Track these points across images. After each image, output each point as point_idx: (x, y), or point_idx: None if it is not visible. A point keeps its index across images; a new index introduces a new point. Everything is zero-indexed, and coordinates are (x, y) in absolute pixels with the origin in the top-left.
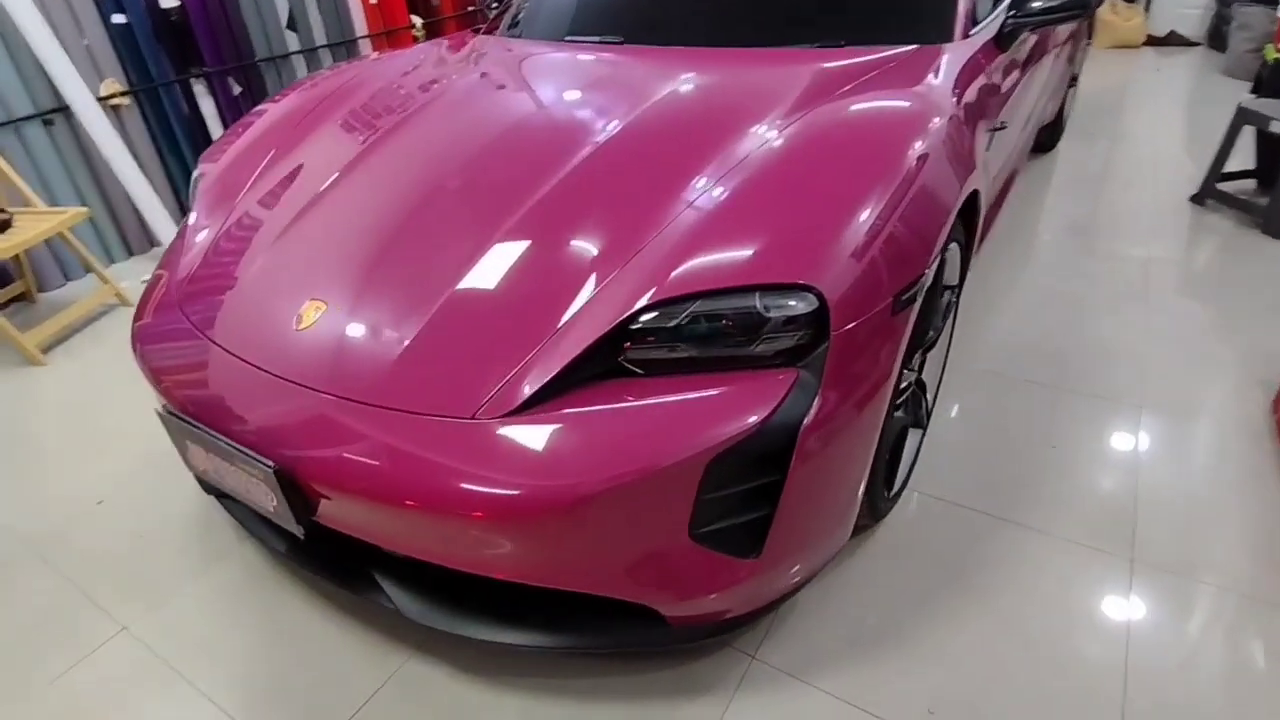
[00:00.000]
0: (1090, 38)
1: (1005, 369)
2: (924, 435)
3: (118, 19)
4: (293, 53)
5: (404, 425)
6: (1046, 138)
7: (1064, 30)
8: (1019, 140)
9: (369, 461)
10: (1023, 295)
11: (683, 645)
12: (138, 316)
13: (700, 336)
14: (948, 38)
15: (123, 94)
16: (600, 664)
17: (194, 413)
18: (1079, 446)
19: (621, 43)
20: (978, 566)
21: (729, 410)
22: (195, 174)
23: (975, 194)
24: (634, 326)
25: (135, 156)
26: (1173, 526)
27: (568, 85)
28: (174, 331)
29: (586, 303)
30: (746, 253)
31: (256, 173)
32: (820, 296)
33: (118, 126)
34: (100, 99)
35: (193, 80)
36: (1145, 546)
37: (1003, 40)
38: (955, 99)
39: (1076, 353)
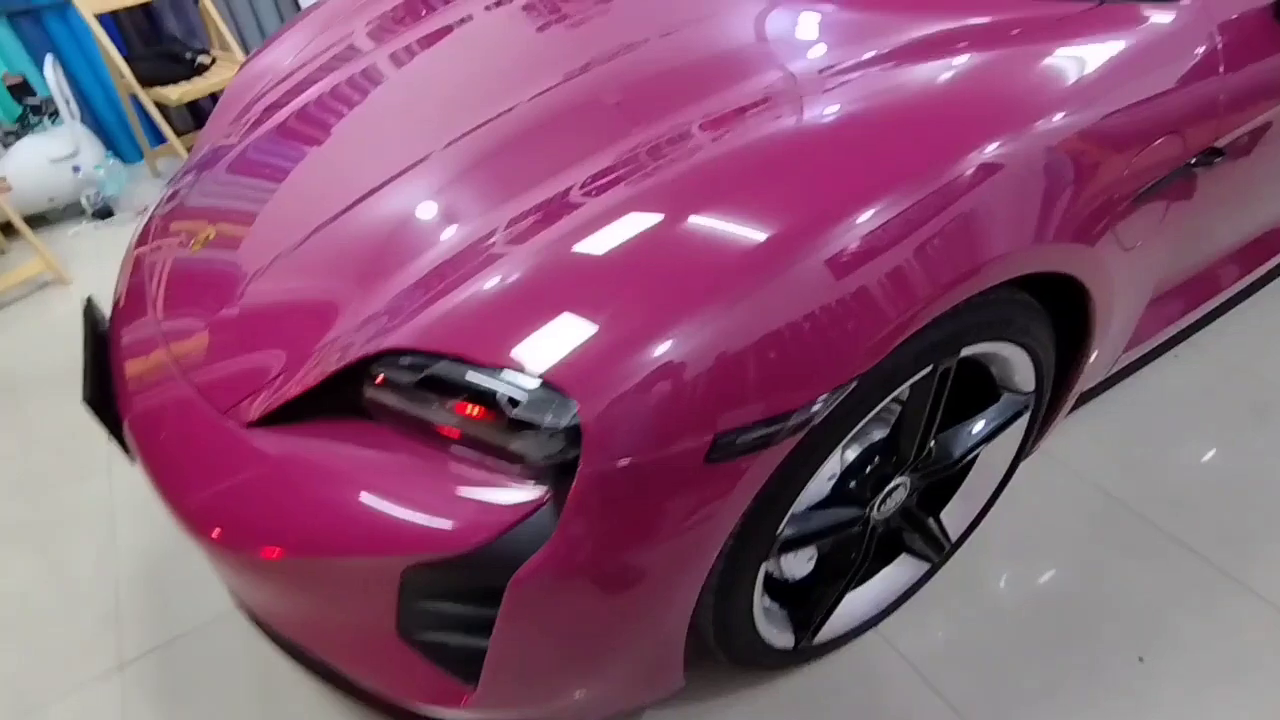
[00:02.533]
0: None
1: (1144, 506)
2: (935, 569)
3: None
4: None
5: (179, 389)
6: None
7: None
8: None
9: (149, 413)
10: (1239, 402)
11: None
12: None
13: (447, 407)
14: None
15: None
16: None
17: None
18: (1188, 667)
19: None
20: None
21: (442, 517)
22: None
23: (1080, 289)
24: (376, 370)
25: None
26: None
27: (505, 32)
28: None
29: (352, 324)
30: (522, 318)
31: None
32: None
33: None
34: None
35: None
36: None
37: None
38: (1097, 104)
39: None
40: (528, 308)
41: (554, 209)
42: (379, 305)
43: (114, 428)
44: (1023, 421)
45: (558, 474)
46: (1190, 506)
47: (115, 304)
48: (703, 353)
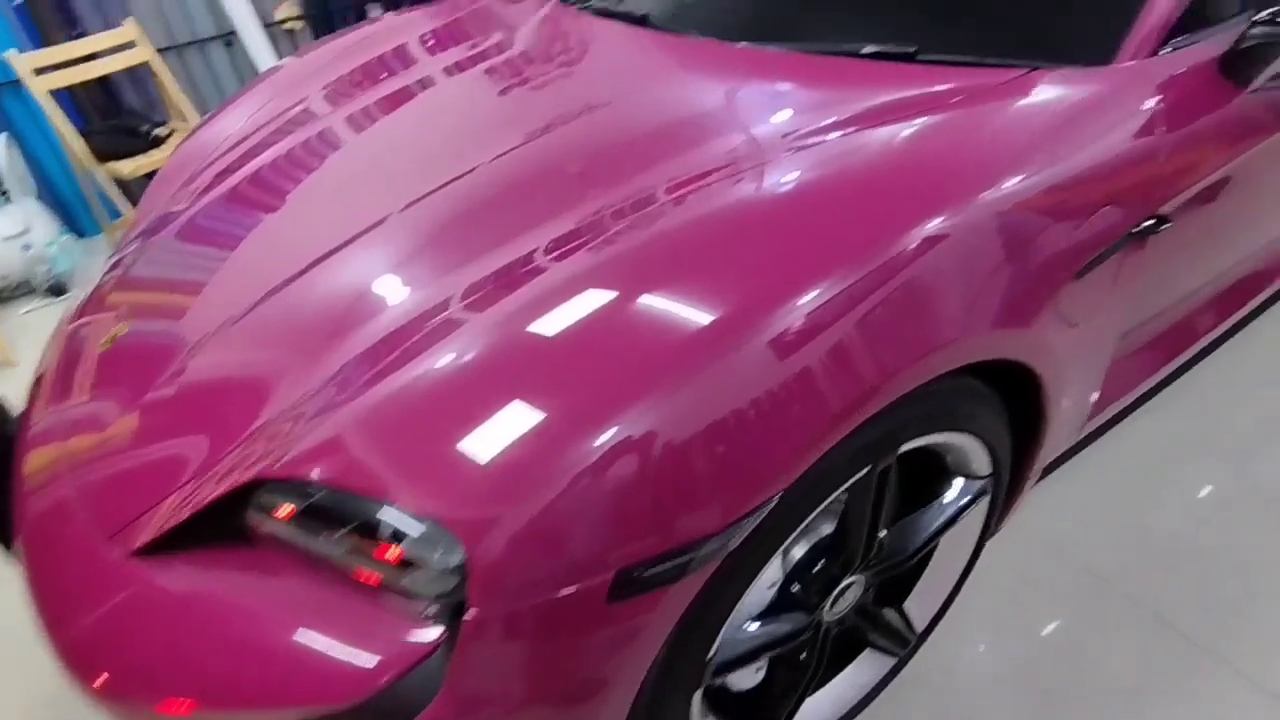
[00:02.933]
0: None
1: (1121, 579)
2: (902, 663)
3: None
4: None
5: (67, 497)
6: None
7: None
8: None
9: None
10: (1221, 479)
11: None
12: None
13: (334, 539)
14: (1105, 57)
15: (296, 18)
16: None
17: None
18: None
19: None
20: None
21: (328, 663)
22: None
23: (1027, 370)
24: (258, 497)
25: None
26: None
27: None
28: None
29: (291, 400)
30: (419, 436)
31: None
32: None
33: (290, 48)
34: (275, 22)
35: (367, 5)
36: None
37: (1238, 67)
38: (1029, 174)
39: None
40: (426, 423)
41: (511, 278)
42: (322, 377)
43: (7, 536)
44: (983, 504)
45: (453, 614)
46: (1168, 576)
47: (33, 386)
48: (605, 481)
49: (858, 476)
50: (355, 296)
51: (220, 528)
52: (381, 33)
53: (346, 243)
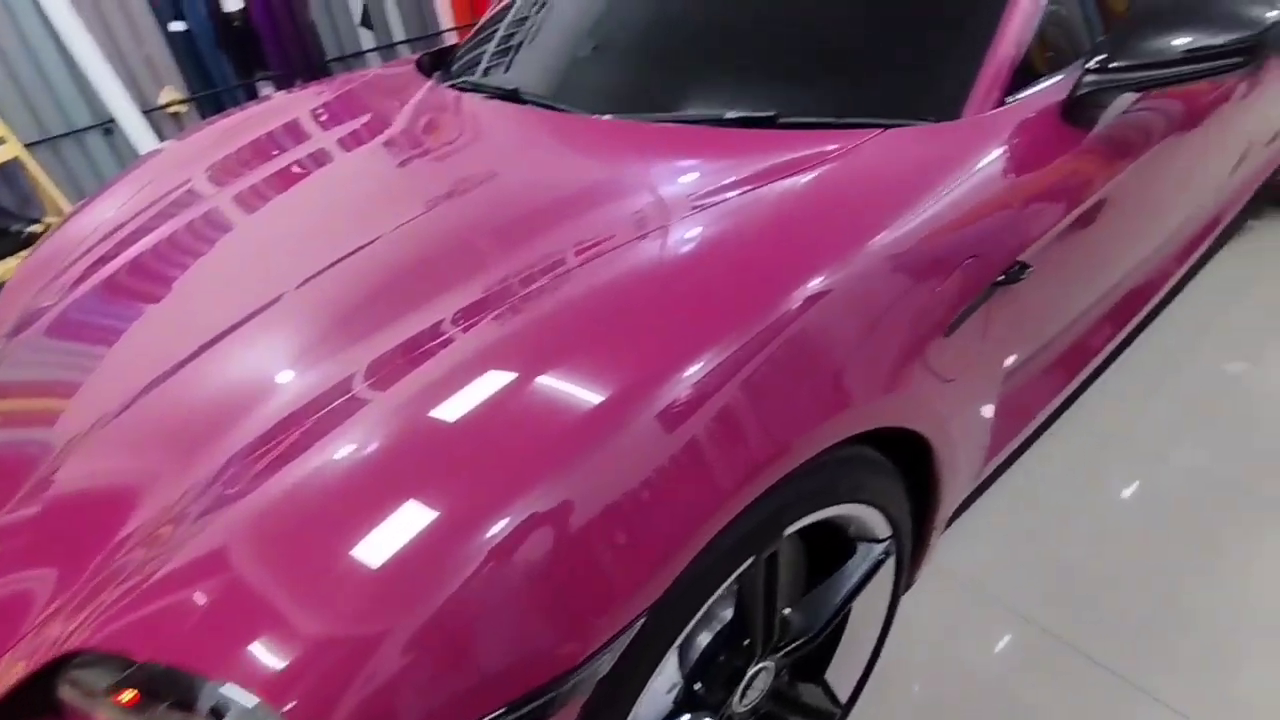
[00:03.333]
0: None
1: (1041, 615)
2: None
3: (177, 26)
4: (368, 50)
5: None
6: None
7: None
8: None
9: None
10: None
11: None
12: None
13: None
14: (953, 112)
15: (181, 101)
16: None
17: None
18: None
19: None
20: None
21: None
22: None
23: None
24: (68, 671)
25: None
26: None
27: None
28: None
29: (164, 504)
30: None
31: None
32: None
33: (176, 133)
34: (157, 107)
35: (259, 84)
36: None
37: (1078, 112)
38: (888, 234)
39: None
40: (261, 585)
41: (410, 357)
42: (207, 472)
43: None
44: (890, 565)
45: None
46: (1085, 608)
47: None
48: (445, 632)
49: (743, 567)
50: (245, 381)
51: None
52: (265, 112)
53: (237, 324)
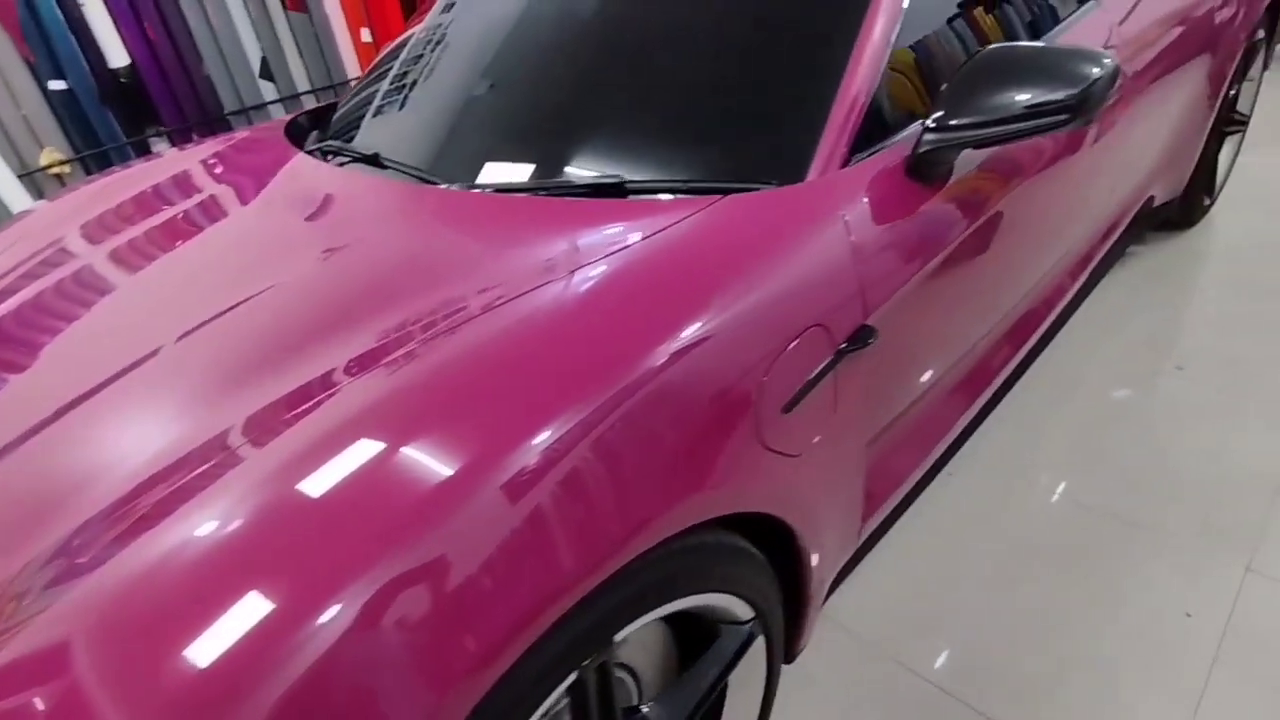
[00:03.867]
0: (1270, 60)
1: (936, 674)
2: None
3: (57, 85)
4: (270, 102)
5: None
6: (1176, 213)
7: (1209, 51)
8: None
9: None
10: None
11: None
12: None
13: None
14: (797, 174)
15: (63, 162)
16: None
17: None
18: None
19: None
20: None
21: None
22: None
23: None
24: None
25: None
26: None
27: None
28: None
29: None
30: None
31: None
32: None
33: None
34: (37, 170)
35: (151, 140)
36: None
37: (921, 170)
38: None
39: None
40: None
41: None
42: (56, 540)
43: None
44: (760, 642)
45: None
46: (977, 666)
47: None
48: None
49: (568, 681)
50: (111, 439)
51: None
52: (140, 172)
53: (107, 381)
